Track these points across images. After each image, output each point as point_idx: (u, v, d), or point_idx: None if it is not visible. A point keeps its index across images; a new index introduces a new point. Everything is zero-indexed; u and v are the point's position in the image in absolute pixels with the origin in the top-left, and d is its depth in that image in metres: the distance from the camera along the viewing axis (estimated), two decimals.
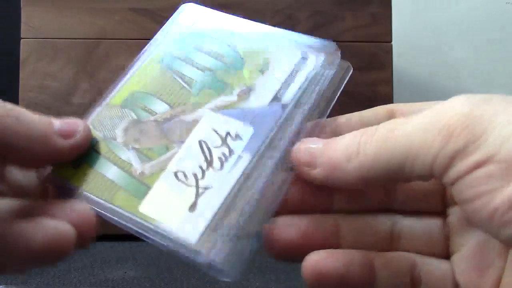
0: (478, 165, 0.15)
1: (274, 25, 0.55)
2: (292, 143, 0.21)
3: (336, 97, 0.23)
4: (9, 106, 0.19)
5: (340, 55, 0.23)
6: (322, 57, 0.23)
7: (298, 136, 0.22)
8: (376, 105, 0.24)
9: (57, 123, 0.21)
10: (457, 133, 0.16)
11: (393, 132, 0.18)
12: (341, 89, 0.24)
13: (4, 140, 0.18)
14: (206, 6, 0.27)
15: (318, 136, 0.22)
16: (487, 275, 0.20)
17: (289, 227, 0.21)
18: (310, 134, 0.22)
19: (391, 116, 0.23)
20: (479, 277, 0.20)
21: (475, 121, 0.16)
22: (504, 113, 0.16)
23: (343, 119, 0.23)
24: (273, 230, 0.21)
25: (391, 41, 0.51)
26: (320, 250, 0.21)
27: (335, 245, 0.22)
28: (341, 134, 0.22)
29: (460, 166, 0.16)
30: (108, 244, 0.45)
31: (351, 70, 0.24)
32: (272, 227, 0.21)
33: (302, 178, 0.21)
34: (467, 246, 0.21)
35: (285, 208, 0.21)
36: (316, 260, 0.20)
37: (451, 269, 0.22)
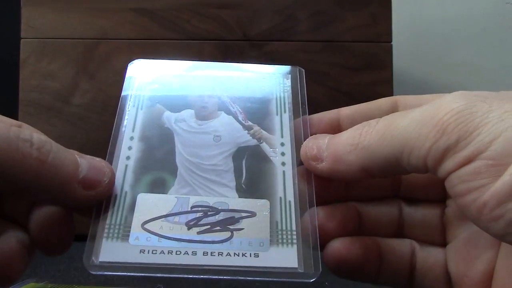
0: (467, 161, 0.16)
1: (274, 25, 0.55)
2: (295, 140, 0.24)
3: (305, 95, 0.26)
4: (42, 142, 0.18)
5: (303, 72, 0.27)
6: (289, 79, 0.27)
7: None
8: None
9: (84, 168, 0.19)
10: (450, 129, 0.16)
11: (392, 125, 0.19)
12: (305, 87, 0.27)
13: (22, 183, 0.17)
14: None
15: (311, 129, 0.23)
16: (474, 267, 0.20)
17: (331, 219, 0.22)
18: (299, 128, 0.24)
19: (394, 108, 0.23)
20: (467, 268, 0.21)
21: (468, 118, 0.16)
22: (497, 110, 0.16)
23: (347, 110, 0.24)
24: (322, 225, 0.22)
25: (391, 41, 0.51)
26: (340, 238, 0.22)
27: (358, 233, 0.23)
28: (343, 126, 0.23)
29: (451, 161, 0.16)
30: None
31: (303, 71, 0.27)
32: (320, 222, 0.22)
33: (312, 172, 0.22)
34: (459, 237, 0.22)
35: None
36: (338, 248, 0.21)
37: (445, 258, 0.22)
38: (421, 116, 0.18)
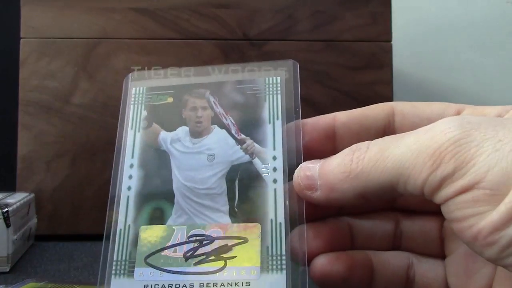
0: (465, 190, 0.16)
1: (274, 25, 0.55)
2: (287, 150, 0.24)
3: (299, 94, 0.25)
4: None
5: (298, 67, 0.26)
6: (283, 75, 0.26)
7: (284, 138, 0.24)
8: None
9: None
10: (447, 160, 0.17)
11: (385, 152, 0.19)
12: (299, 86, 0.25)
13: None
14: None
15: (304, 136, 0.23)
16: (474, 281, 0.21)
17: (318, 237, 0.22)
18: (292, 137, 0.23)
19: (390, 117, 0.23)
20: (467, 282, 0.21)
21: (464, 148, 0.17)
22: (491, 139, 0.17)
23: (342, 118, 0.23)
24: (308, 244, 0.22)
25: (391, 40, 0.51)
26: (325, 254, 0.22)
27: (350, 247, 0.23)
28: (338, 135, 0.23)
29: (449, 189, 0.17)
30: None
31: (297, 65, 0.26)
32: (302, 241, 0.22)
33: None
34: (458, 250, 0.22)
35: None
36: (323, 264, 0.22)
37: (444, 271, 0.22)
38: (415, 144, 0.18)
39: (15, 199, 0.42)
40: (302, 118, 0.24)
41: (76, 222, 0.48)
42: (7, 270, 0.38)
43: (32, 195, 0.46)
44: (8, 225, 0.38)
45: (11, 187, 0.48)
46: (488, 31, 0.72)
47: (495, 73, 0.72)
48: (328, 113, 0.24)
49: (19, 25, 0.49)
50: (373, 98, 0.50)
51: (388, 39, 0.51)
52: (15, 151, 0.48)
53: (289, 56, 0.50)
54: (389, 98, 0.51)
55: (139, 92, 0.27)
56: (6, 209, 0.38)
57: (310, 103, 0.50)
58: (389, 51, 0.51)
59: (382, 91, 0.51)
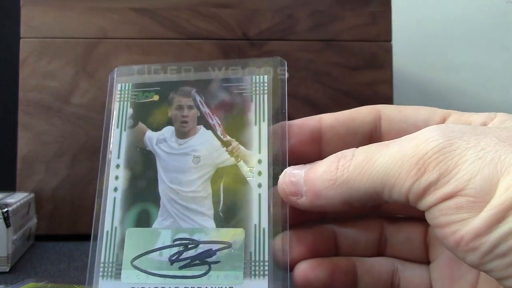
0: (449, 197, 0.17)
1: (273, 25, 0.55)
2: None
3: (286, 95, 0.24)
4: None
5: (285, 65, 0.25)
6: (271, 73, 0.25)
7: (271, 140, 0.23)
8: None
9: None
10: (431, 168, 0.17)
11: (370, 160, 0.19)
12: (286, 85, 0.24)
13: None
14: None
15: (291, 139, 0.23)
16: (457, 286, 0.21)
17: (301, 243, 0.22)
18: (278, 140, 0.23)
19: (377, 121, 0.23)
20: (451, 287, 0.21)
21: (448, 156, 0.17)
22: (474, 148, 0.17)
23: (328, 120, 0.23)
24: (290, 250, 0.22)
25: (391, 40, 0.51)
26: (308, 260, 0.22)
27: (334, 253, 0.23)
28: (325, 138, 0.23)
29: (433, 196, 0.17)
30: None
31: (285, 62, 0.25)
32: (285, 248, 0.22)
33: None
34: (442, 255, 0.23)
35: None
36: (305, 269, 0.22)
37: (429, 277, 0.23)
38: (400, 153, 0.18)
39: (15, 199, 0.42)
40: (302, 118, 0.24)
41: (76, 222, 0.48)
42: (7, 270, 0.38)
43: (32, 195, 0.46)
44: (8, 225, 0.38)
45: (11, 187, 0.48)
46: (488, 31, 0.72)
47: (495, 73, 0.72)
48: (328, 113, 0.24)
49: (19, 25, 0.49)
50: (373, 98, 0.50)
51: (388, 39, 0.51)
52: (15, 151, 0.48)
53: (289, 56, 0.50)
54: (389, 98, 0.51)
55: (125, 89, 0.26)
56: (6, 209, 0.38)
57: (310, 103, 0.50)
58: (389, 51, 0.51)
59: (382, 91, 0.51)
